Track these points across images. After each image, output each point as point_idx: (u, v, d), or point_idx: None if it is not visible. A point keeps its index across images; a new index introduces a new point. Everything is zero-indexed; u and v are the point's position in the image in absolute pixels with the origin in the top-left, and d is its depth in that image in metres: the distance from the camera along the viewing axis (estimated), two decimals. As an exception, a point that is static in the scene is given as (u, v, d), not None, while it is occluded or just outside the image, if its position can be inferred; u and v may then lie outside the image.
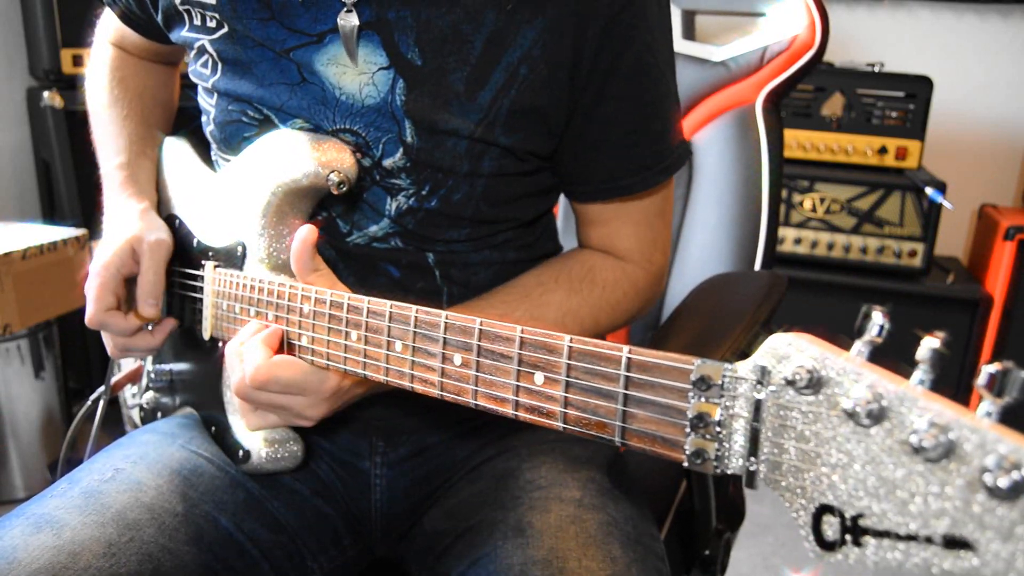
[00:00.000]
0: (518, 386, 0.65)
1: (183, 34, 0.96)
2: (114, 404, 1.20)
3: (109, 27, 1.17)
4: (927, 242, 2.51)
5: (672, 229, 1.26)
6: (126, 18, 1.09)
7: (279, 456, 0.92)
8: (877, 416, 0.44)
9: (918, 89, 2.52)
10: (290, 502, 0.95)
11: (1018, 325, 2.47)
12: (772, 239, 1.34)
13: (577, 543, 0.81)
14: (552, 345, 0.62)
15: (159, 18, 0.99)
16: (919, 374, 0.44)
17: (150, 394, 1.13)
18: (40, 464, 2.33)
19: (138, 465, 0.90)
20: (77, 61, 2.40)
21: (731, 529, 1.23)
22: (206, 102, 0.98)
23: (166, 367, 1.10)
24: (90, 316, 0.96)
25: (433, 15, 0.84)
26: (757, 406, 0.50)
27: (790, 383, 0.48)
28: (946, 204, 2.44)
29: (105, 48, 1.17)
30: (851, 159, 2.60)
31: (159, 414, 1.11)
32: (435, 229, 0.93)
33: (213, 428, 0.97)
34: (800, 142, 2.62)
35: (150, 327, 1.00)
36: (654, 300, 1.05)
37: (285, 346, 0.85)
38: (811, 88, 2.60)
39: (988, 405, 0.42)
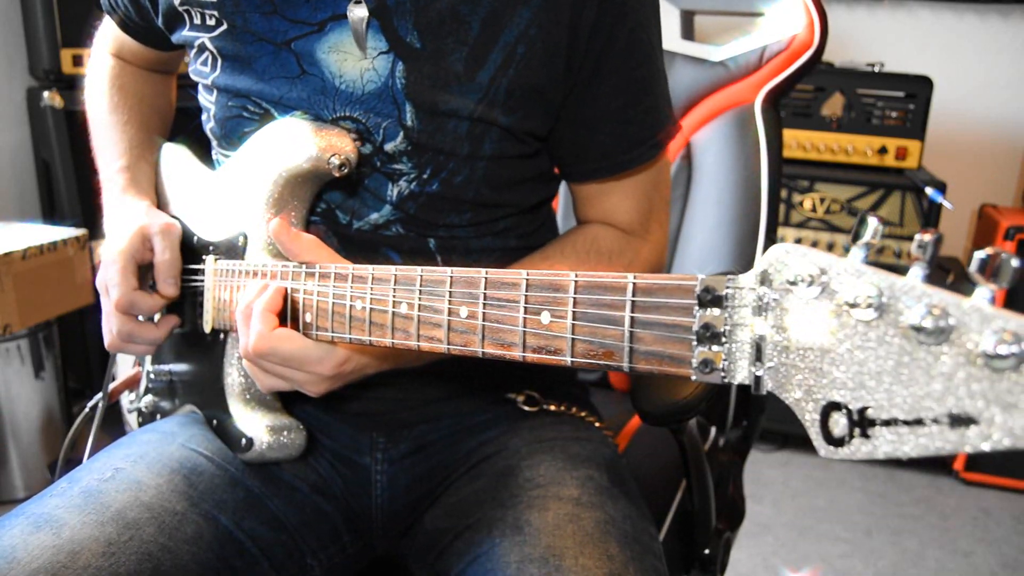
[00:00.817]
0: (525, 330, 0.65)
1: (184, 34, 0.96)
2: (115, 406, 1.20)
3: (107, 37, 1.18)
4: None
5: (671, 226, 1.26)
6: (125, 25, 1.10)
7: (281, 444, 0.92)
8: (878, 308, 0.45)
9: (918, 89, 2.52)
10: (290, 500, 0.95)
11: (1018, 325, 2.46)
12: (771, 239, 1.34)
13: (574, 541, 0.81)
14: (558, 283, 0.63)
15: (160, 21, 1.00)
16: (916, 269, 0.45)
17: (148, 398, 1.13)
18: (40, 464, 2.33)
19: (138, 464, 0.90)
20: (77, 61, 2.41)
21: (731, 529, 1.24)
22: (206, 99, 0.99)
23: (165, 367, 1.10)
24: (119, 298, 0.94)
25: None
26: (761, 311, 0.51)
27: (792, 284, 0.49)
28: (946, 204, 2.44)
29: (104, 58, 1.18)
30: (851, 159, 2.60)
31: (158, 417, 1.11)
32: (437, 213, 0.94)
33: (215, 421, 0.97)
34: (800, 142, 2.62)
35: (155, 319, 1.00)
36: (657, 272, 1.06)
37: (289, 315, 0.84)
38: (811, 88, 2.60)
39: (983, 290, 0.43)
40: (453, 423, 1.01)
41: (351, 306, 0.78)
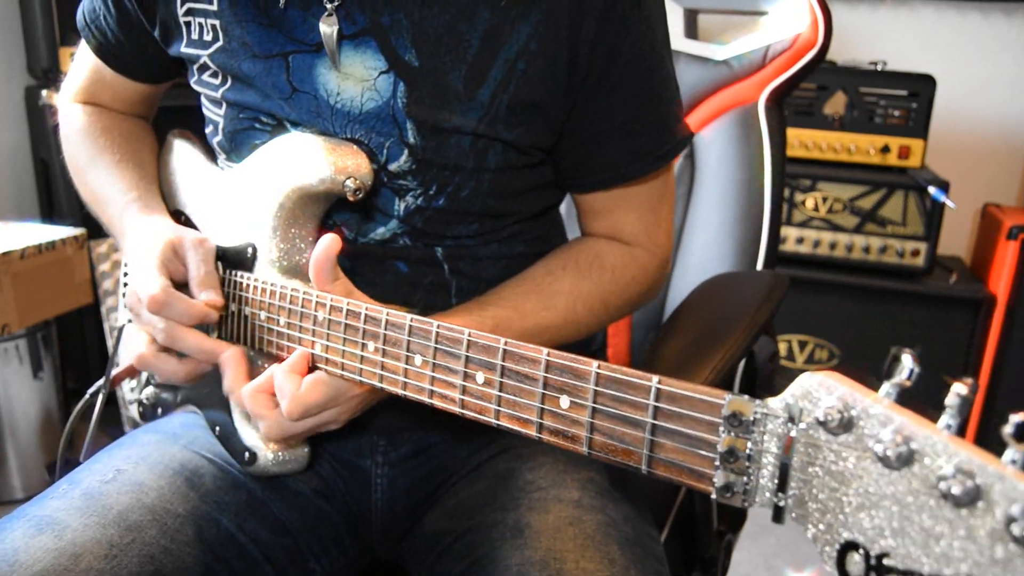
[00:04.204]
0: (543, 408, 0.65)
1: (182, 49, 0.95)
2: (112, 403, 1.18)
3: (77, 84, 1.13)
4: (930, 241, 2.49)
5: (674, 226, 1.25)
6: (102, 51, 1.06)
7: (286, 459, 0.92)
8: (906, 459, 0.45)
9: (921, 88, 2.50)
10: (292, 503, 0.95)
11: (1021, 325, 2.46)
12: (774, 239, 1.33)
13: (575, 544, 0.81)
14: (579, 371, 0.62)
15: (156, 32, 0.98)
16: (946, 418, 0.45)
17: (150, 389, 1.12)
18: (38, 465, 2.32)
19: (139, 466, 0.90)
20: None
21: (732, 531, 1.23)
22: (213, 113, 0.97)
23: None
24: (154, 295, 0.86)
25: (427, 16, 0.85)
26: (787, 444, 0.51)
27: (821, 423, 0.49)
28: (949, 203, 2.42)
29: (75, 109, 1.12)
30: (853, 158, 2.59)
31: (159, 410, 1.10)
32: (444, 226, 0.93)
33: (217, 428, 0.96)
34: (802, 141, 2.61)
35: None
36: (661, 283, 1.06)
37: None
38: (813, 87, 2.59)
39: (1013, 453, 0.42)
40: (454, 426, 0.99)
41: (363, 344, 0.78)
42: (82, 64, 1.12)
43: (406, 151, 0.88)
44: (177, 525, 0.84)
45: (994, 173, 2.89)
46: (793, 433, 0.51)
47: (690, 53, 1.41)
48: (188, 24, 0.93)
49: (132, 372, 1.15)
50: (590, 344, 1.12)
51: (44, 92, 2.36)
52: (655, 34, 0.91)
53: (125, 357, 1.18)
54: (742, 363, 1.26)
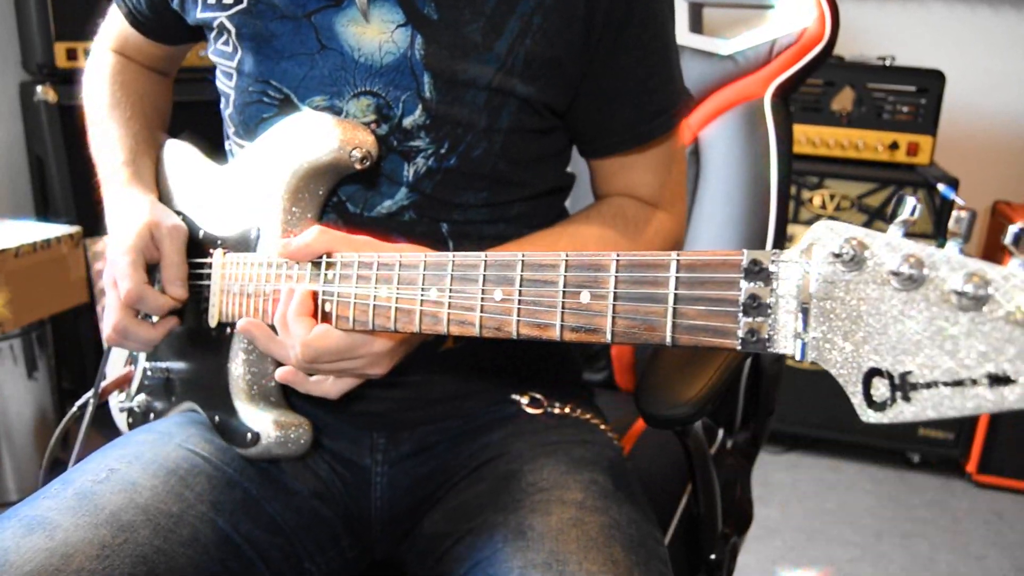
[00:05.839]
0: (563, 310, 0.66)
1: (199, 15, 0.96)
2: (105, 406, 1.19)
3: (111, 32, 1.18)
4: (939, 239, 2.46)
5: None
6: (132, 18, 1.11)
7: (288, 439, 0.92)
8: (919, 278, 0.48)
9: (930, 83, 2.50)
10: (288, 503, 0.95)
11: (1032, 325, 2.44)
12: (781, 237, 1.33)
13: (578, 546, 0.81)
14: (599, 263, 0.64)
15: (175, 1, 1.00)
16: (952, 243, 0.49)
17: (141, 396, 1.12)
18: (33, 466, 2.31)
19: (133, 465, 0.90)
20: (71, 55, 2.38)
21: (738, 533, 1.24)
22: (225, 85, 0.99)
23: (162, 364, 1.09)
24: (130, 289, 0.94)
25: None
26: (805, 282, 0.54)
27: (837, 256, 0.52)
28: (958, 201, 2.41)
29: (105, 54, 1.18)
30: (861, 155, 2.58)
31: (151, 417, 1.10)
32: (453, 191, 0.94)
33: (216, 418, 0.96)
34: (809, 137, 2.59)
35: (153, 319, 1.00)
36: (682, 244, 1.09)
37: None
38: (820, 82, 2.58)
39: (1018, 260, 0.46)
40: (455, 425, 1.01)
41: (375, 294, 0.78)
42: (115, 15, 1.16)
43: (421, 105, 0.89)
44: (171, 525, 0.84)
45: (1004, 170, 2.88)
46: (810, 271, 0.54)
47: (695, 48, 1.41)
48: None
49: (121, 383, 1.15)
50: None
51: (39, 88, 2.33)
52: None
53: (114, 370, 1.17)
54: (748, 362, 1.25)
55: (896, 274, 0.49)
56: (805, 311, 0.54)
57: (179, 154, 1.11)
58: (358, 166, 0.87)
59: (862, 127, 2.56)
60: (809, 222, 2.57)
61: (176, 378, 1.07)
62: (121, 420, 1.17)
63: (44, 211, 2.56)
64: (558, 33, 0.89)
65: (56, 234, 2.24)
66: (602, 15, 0.89)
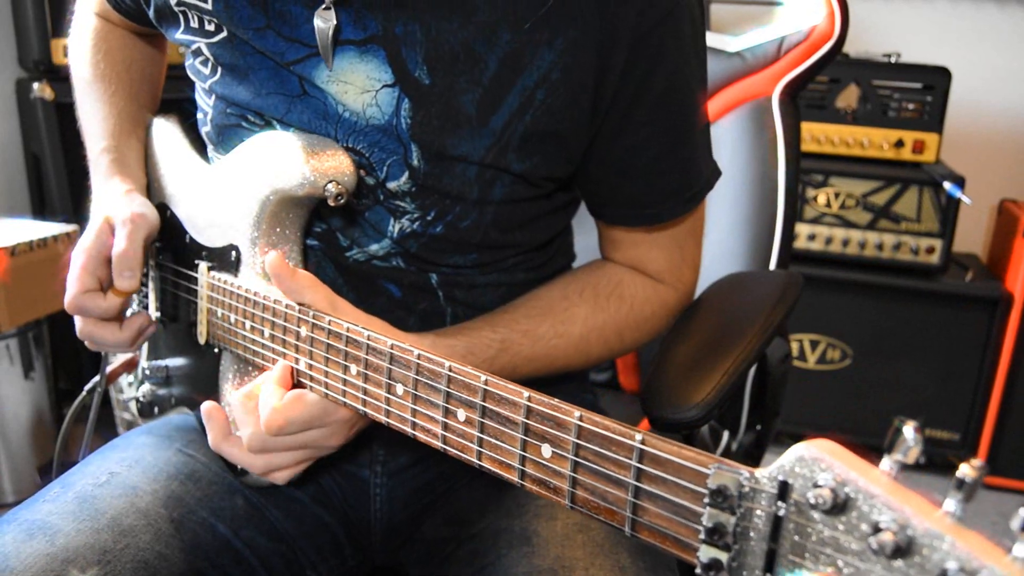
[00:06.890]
0: (524, 456, 0.62)
1: (178, 36, 0.92)
2: (105, 405, 1.18)
3: None
4: (945, 238, 2.46)
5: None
6: (114, 1, 1.06)
7: None
8: (903, 550, 0.41)
9: (936, 80, 2.47)
10: (289, 510, 0.95)
11: (1038, 324, 2.44)
12: (788, 237, 1.32)
13: (584, 552, 0.80)
14: (560, 420, 0.59)
15: (151, 13, 0.95)
16: (951, 503, 0.41)
17: (146, 386, 1.11)
18: (30, 467, 2.30)
19: (133, 469, 0.89)
20: (68, 52, 2.36)
21: None
22: (204, 102, 0.95)
23: (161, 363, 1.08)
24: (68, 300, 0.90)
25: (444, 31, 0.79)
26: (775, 523, 0.47)
27: (812, 506, 0.45)
28: (964, 199, 2.40)
29: (89, 17, 1.13)
30: (867, 152, 2.55)
31: (156, 408, 1.10)
32: (439, 254, 0.90)
33: None
34: (814, 135, 2.58)
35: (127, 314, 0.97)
36: (681, 315, 1.04)
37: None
38: (826, 79, 2.56)
39: (1022, 548, 0.40)
40: None
41: (345, 366, 0.75)
42: None
43: (407, 172, 0.85)
44: (171, 530, 0.84)
45: (1011, 168, 2.87)
46: (782, 513, 0.47)
47: (701, 44, 1.39)
48: (184, 14, 0.90)
49: (128, 367, 1.16)
50: None
51: (36, 85, 2.32)
52: (690, 66, 0.86)
53: (118, 355, 1.16)
54: (754, 365, 1.23)
55: (876, 546, 0.42)
56: (772, 553, 0.48)
57: (167, 140, 1.07)
58: (331, 202, 0.81)
59: (867, 124, 2.54)
60: (814, 220, 2.55)
61: (174, 379, 1.06)
62: (131, 406, 1.16)
63: (41, 209, 2.55)
64: (562, 108, 0.83)
65: (53, 233, 2.22)
66: (613, 86, 0.82)
